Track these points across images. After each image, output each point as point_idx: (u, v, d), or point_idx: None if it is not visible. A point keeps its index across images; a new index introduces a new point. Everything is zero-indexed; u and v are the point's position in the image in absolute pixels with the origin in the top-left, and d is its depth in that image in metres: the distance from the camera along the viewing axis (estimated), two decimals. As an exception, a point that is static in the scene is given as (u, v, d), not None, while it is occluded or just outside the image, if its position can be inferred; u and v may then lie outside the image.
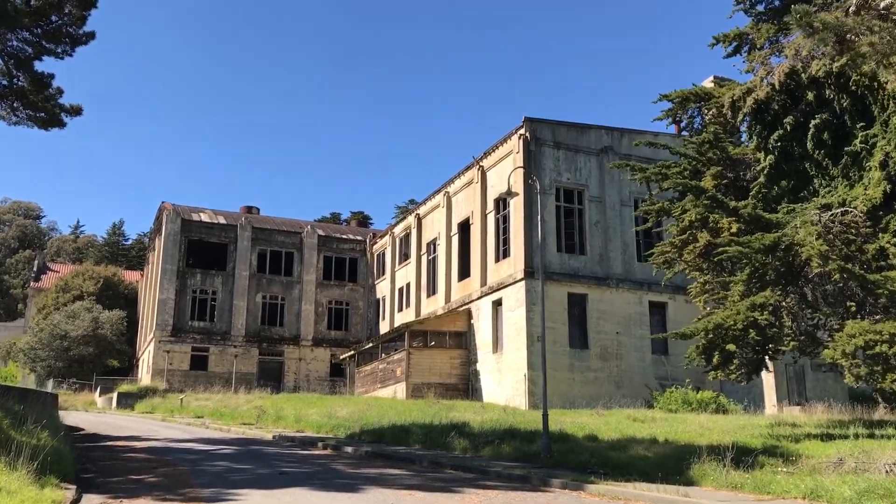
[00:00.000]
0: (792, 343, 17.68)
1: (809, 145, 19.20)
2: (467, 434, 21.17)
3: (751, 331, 17.65)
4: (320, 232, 59.39)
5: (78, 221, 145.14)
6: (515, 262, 37.00)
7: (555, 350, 35.36)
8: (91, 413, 39.30)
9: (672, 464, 14.46)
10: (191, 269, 54.60)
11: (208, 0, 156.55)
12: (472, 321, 40.62)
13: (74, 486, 11.79)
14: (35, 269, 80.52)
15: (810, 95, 19.22)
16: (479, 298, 40.06)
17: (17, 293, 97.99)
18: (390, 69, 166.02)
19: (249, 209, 62.49)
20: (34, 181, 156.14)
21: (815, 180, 19.58)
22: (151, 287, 58.17)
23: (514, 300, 36.56)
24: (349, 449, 20.57)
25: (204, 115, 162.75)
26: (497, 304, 38.40)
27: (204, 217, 56.70)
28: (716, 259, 19.47)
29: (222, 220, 56.74)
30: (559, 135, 38.68)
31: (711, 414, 30.55)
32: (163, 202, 57.42)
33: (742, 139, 24.54)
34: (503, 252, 39.24)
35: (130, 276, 77.92)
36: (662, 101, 24.30)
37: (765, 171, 20.16)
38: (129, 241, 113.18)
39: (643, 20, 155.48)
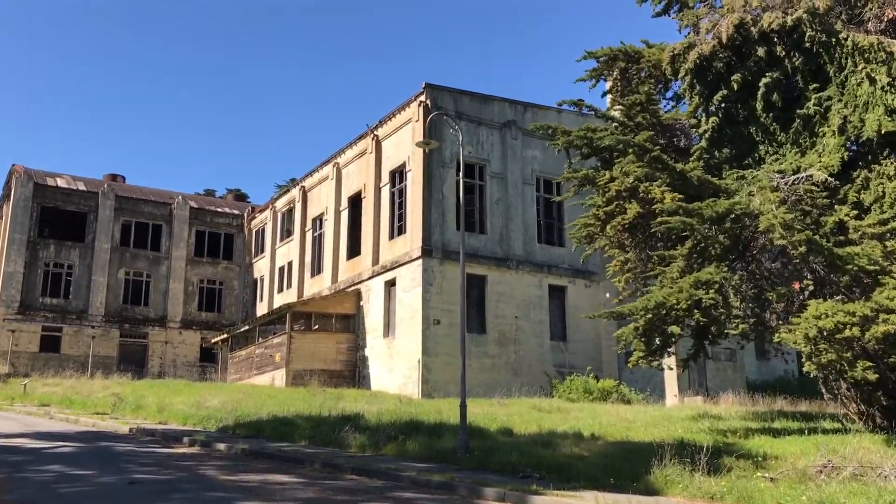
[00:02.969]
0: (741, 326, 15.64)
1: (758, 107, 17.27)
2: (363, 428, 18.16)
3: (695, 311, 15.49)
4: (193, 204, 54.48)
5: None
6: (412, 240, 34.18)
7: (451, 334, 32.87)
8: None
9: (623, 466, 12.00)
10: (44, 239, 48.65)
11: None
12: (361, 303, 37.51)
13: None
14: None
15: (760, 51, 17.27)
16: (370, 278, 37.00)
17: None
18: (273, 33, 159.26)
19: (114, 177, 56.70)
20: None
21: (761, 147, 17.71)
22: (-3, 259, 51.74)
23: (410, 280, 33.74)
24: (222, 446, 17.14)
25: (65, 80, 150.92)
26: (390, 284, 35.48)
27: (61, 182, 50.75)
28: (654, 231, 17.26)
29: (82, 187, 50.97)
30: (461, 105, 36.02)
31: (615, 403, 28.93)
32: (13, 165, 51.05)
33: (666, 108, 22.64)
34: (398, 228, 36.34)
35: (-25, 248, 69.98)
36: (588, 59, 22.02)
37: (706, 136, 18.13)
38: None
39: None
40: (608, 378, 32.89)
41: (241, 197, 77.37)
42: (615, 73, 22.44)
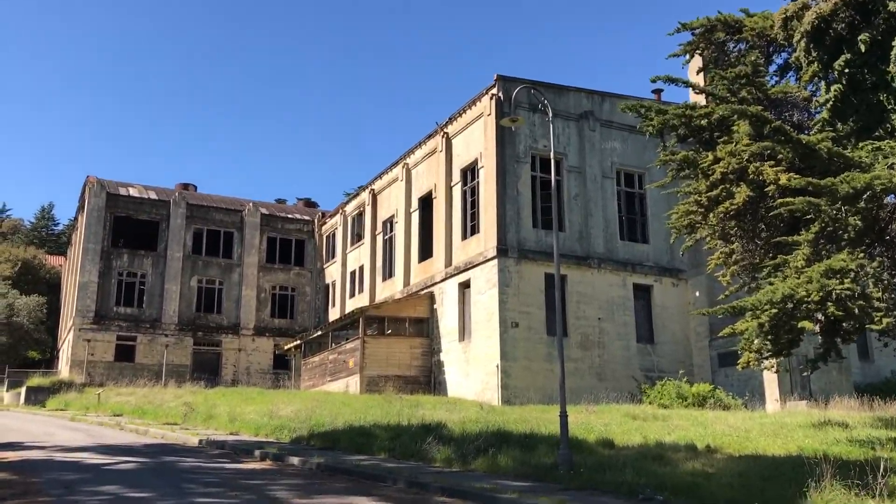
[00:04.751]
0: (885, 320, 13.45)
1: (892, 70, 15.02)
2: (447, 439, 16.57)
3: (828, 304, 13.41)
4: (263, 210, 53.93)
5: (4, 205, 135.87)
6: (486, 239, 32.52)
7: (531, 337, 31.17)
8: (-16, 411, 33.58)
9: (766, 487, 10.07)
10: (117, 248, 48.67)
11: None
12: (434, 306, 36.02)
13: None
14: (-51, 253, 72.95)
15: (892, 6, 15.03)
16: (442, 280, 35.48)
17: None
18: (340, 41, 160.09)
19: (186, 186, 56.66)
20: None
21: (894, 116, 15.45)
22: (74, 270, 52.10)
23: (485, 281, 32.08)
24: (295, 460, 15.76)
25: (140, 93, 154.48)
26: (464, 286, 33.87)
27: (133, 192, 50.80)
28: (773, 214, 15.22)
29: (153, 196, 50.91)
30: (535, 96, 34.09)
31: (712, 409, 26.76)
32: (88, 176, 51.31)
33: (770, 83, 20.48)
34: (471, 228, 34.75)
35: (54, 260, 71.33)
36: (681, 31, 20.03)
37: (828, 105, 15.94)
38: (60, 227, 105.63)
39: None
40: (701, 382, 30.67)
41: (311, 205, 77.05)
42: (711, 47, 20.45)
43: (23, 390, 40.28)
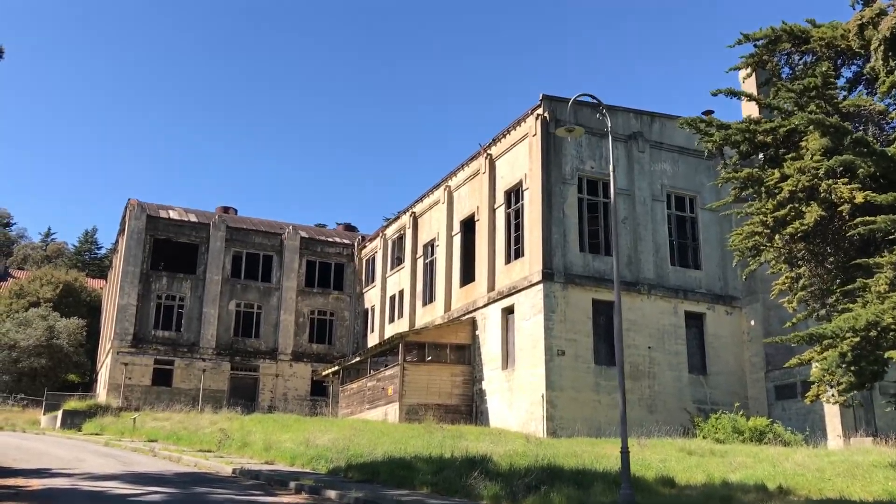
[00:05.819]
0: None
1: (981, 78, 13.84)
2: (493, 474, 15.45)
3: (919, 333, 12.17)
4: (303, 234, 53.48)
5: (49, 229, 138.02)
6: (531, 263, 31.43)
7: (577, 366, 29.91)
8: (18, 435, 33.14)
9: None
10: (156, 271, 48.46)
11: None
12: (476, 332, 34.92)
13: None
14: (-6, 276, 74.07)
15: (981, 10, 13.90)
16: (485, 306, 34.41)
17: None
18: (384, 68, 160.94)
19: (226, 209, 56.52)
20: (4, 187, 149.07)
21: (983, 128, 14.22)
22: (113, 292, 52.05)
23: (530, 307, 30.94)
24: (332, 494, 14.77)
25: (181, 120, 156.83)
26: (508, 311, 32.76)
27: (173, 214, 50.70)
28: (849, 235, 14.06)
29: (193, 219, 50.73)
30: (582, 117, 32.76)
31: (771, 445, 25.19)
32: (129, 198, 51.36)
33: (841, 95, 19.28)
34: (515, 252, 33.70)
35: (95, 283, 71.74)
36: (743, 43, 19.01)
37: (911, 118, 14.77)
38: (103, 250, 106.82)
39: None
40: (756, 416, 29.11)
41: (350, 229, 76.57)
42: (774, 59, 19.36)
43: (59, 414, 39.96)
